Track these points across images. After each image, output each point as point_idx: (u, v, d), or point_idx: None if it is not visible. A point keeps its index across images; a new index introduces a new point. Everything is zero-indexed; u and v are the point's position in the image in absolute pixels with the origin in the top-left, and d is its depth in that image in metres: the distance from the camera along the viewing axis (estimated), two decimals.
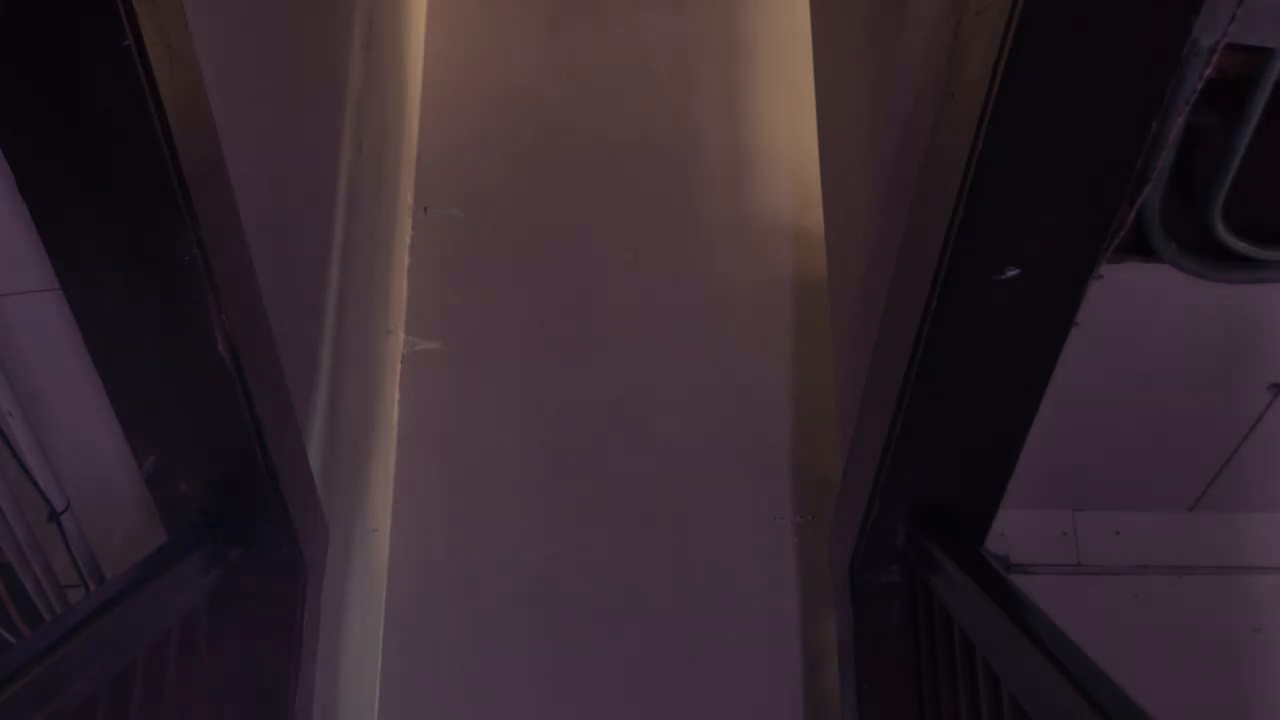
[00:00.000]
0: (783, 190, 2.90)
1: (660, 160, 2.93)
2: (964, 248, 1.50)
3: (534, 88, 3.06)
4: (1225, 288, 1.95)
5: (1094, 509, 2.52)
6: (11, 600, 2.63)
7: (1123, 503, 2.51)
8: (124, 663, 1.48)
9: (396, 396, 2.83)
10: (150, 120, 1.35)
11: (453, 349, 2.78)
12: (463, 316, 2.80)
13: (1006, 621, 1.51)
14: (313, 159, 2.22)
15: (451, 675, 2.46)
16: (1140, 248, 1.90)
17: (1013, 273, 1.51)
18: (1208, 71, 1.54)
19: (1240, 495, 2.46)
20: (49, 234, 1.49)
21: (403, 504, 2.62)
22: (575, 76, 3.06)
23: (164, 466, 1.78)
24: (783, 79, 3.04)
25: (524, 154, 2.96)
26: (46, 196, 1.45)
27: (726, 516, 2.73)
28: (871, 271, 2.03)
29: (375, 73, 2.68)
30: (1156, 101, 1.34)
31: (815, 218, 2.76)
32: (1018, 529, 2.44)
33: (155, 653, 1.63)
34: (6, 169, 1.42)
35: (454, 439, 2.67)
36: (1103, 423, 2.30)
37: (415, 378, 2.75)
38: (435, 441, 2.67)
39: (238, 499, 1.85)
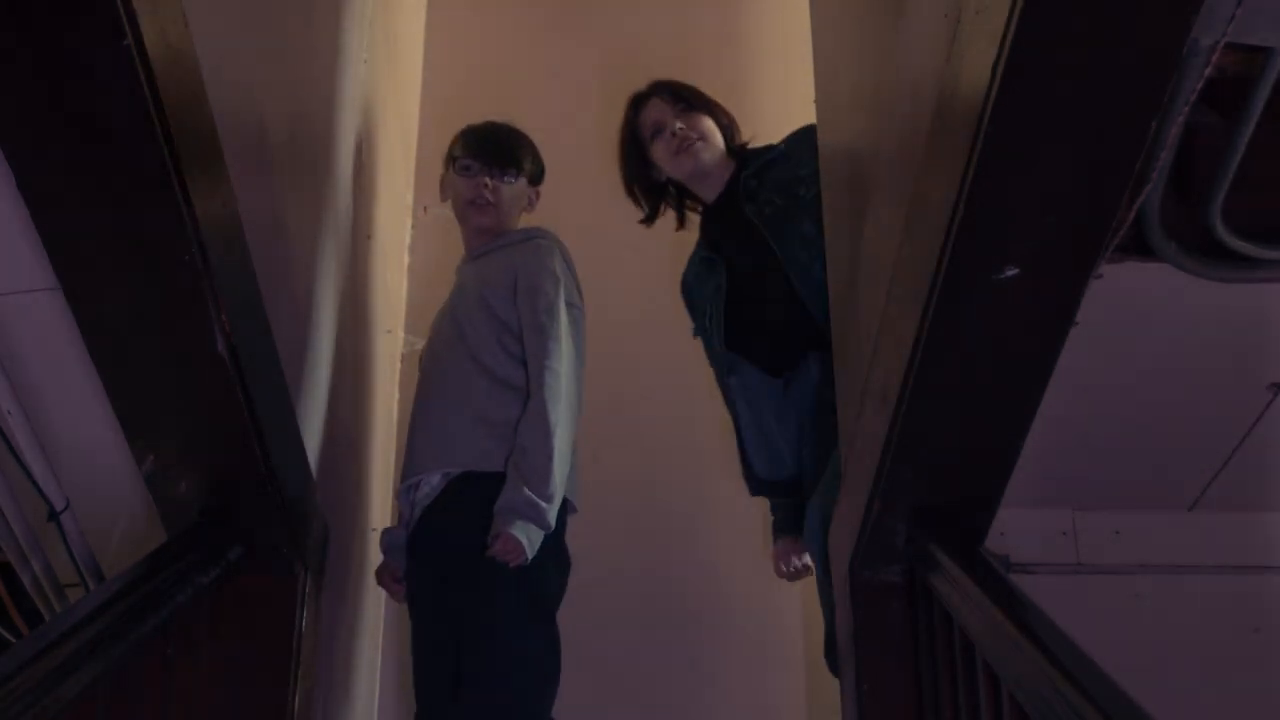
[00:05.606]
0: None
1: None
2: (964, 248, 1.50)
3: (533, 87, 3.06)
4: (1225, 288, 1.95)
5: (1094, 509, 2.51)
6: (11, 600, 2.64)
7: (1123, 503, 2.50)
8: (124, 663, 1.48)
9: (396, 396, 2.83)
10: (150, 120, 1.35)
11: None
12: None
13: (1006, 621, 1.51)
14: (313, 159, 2.23)
15: None
16: (1140, 248, 1.89)
17: (1013, 273, 1.51)
18: (1208, 71, 1.54)
19: (1240, 495, 2.46)
20: (49, 234, 1.49)
21: None
22: (575, 76, 3.06)
23: (164, 466, 1.78)
24: (783, 79, 3.04)
25: None
26: (46, 196, 1.45)
27: (726, 516, 2.73)
28: (871, 271, 2.03)
29: (374, 73, 2.68)
30: (1156, 101, 1.34)
31: None
32: (1018, 529, 2.43)
33: (155, 653, 1.63)
34: (6, 169, 1.42)
35: None
36: (1103, 422, 2.29)
37: (414, 377, 2.75)
38: None
39: (238, 499, 1.85)
